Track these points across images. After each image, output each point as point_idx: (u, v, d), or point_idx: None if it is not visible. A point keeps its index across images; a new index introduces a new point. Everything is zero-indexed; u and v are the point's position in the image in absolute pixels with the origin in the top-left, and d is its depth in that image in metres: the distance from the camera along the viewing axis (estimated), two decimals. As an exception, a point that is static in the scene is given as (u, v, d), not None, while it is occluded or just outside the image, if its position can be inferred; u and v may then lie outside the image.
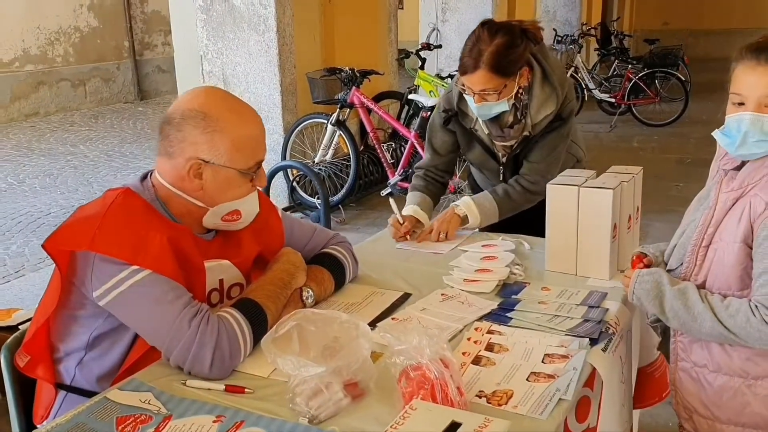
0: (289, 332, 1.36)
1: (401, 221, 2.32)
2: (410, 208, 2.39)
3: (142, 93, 12.40)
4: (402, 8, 14.35)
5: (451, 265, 2.05)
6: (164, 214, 1.58)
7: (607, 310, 1.72)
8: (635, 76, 8.80)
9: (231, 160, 1.55)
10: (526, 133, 2.36)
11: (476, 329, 1.63)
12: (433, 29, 9.07)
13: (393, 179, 5.27)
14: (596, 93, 9.38)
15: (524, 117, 2.33)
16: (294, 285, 1.72)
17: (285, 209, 5.40)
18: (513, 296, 1.82)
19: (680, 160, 7.17)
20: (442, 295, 1.84)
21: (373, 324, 1.68)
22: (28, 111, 10.52)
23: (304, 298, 1.74)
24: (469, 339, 1.59)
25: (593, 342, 1.56)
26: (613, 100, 9.12)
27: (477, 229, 2.38)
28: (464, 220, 2.34)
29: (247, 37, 5.42)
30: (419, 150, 5.06)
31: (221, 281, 1.68)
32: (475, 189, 2.74)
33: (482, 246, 2.18)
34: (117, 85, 12.06)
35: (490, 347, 1.55)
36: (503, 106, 2.25)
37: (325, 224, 5.11)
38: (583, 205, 1.90)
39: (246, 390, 1.40)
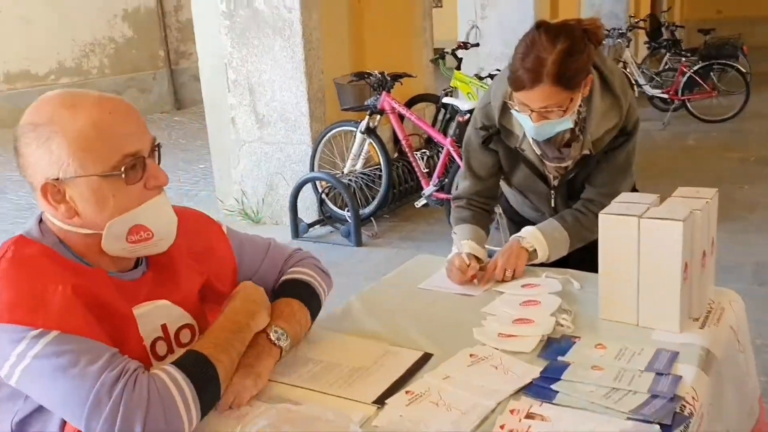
0: (257, 436, 1.02)
1: (468, 261, 1.91)
2: (465, 244, 1.98)
3: (179, 102, 12.25)
4: (441, 6, 14.02)
5: (483, 312, 1.69)
6: (71, 258, 1.27)
7: (681, 378, 1.34)
8: (690, 70, 8.25)
9: (82, 166, 1.22)
10: (585, 151, 1.97)
11: (512, 411, 1.27)
12: (473, 27, 8.67)
13: (428, 189, 4.91)
14: (647, 89, 8.86)
15: (582, 133, 1.95)
16: (255, 327, 1.40)
17: (313, 223, 5.13)
18: (559, 358, 1.45)
19: (743, 159, 6.63)
20: (471, 356, 1.48)
21: (381, 400, 1.33)
22: (65, 124, 10.43)
23: (275, 340, 1.41)
24: (502, 427, 1.22)
25: (665, 429, 1.19)
26: (665, 95, 8.58)
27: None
28: (532, 254, 1.96)
29: (272, 42, 5.13)
30: (455, 157, 4.69)
31: (164, 327, 1.35)
32: (510, 214, 2.36)
33: (522, 286, 1.81)
34: (153, 95, 11.93)
35: (529, 440, 1.19)
36: (567, 123, 1.87)
37: (356, 238, 4.80)
38: (646, 240, 1.52)
39: None
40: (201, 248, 1.46)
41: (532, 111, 1.83)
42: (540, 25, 1.82)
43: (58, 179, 1.23)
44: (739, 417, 1.56)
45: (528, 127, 1.89)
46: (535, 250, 1.95)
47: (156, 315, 1.35)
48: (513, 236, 2.01)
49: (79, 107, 1.24)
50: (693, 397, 1.30)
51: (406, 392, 1.36)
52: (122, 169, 1.23)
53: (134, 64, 11.66)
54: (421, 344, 1.56)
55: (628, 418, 1.22)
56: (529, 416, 1.25)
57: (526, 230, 1.99)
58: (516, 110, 1.88)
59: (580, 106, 1.88)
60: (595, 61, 1.87)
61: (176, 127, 10.58)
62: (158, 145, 1.32)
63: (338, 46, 5.41)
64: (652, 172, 5.65)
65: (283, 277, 1.61)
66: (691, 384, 1.33)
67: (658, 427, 1.18)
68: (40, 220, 1.32)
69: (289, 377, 1.42)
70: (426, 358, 1.50)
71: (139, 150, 1.26)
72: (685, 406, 1.26)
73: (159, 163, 1.33)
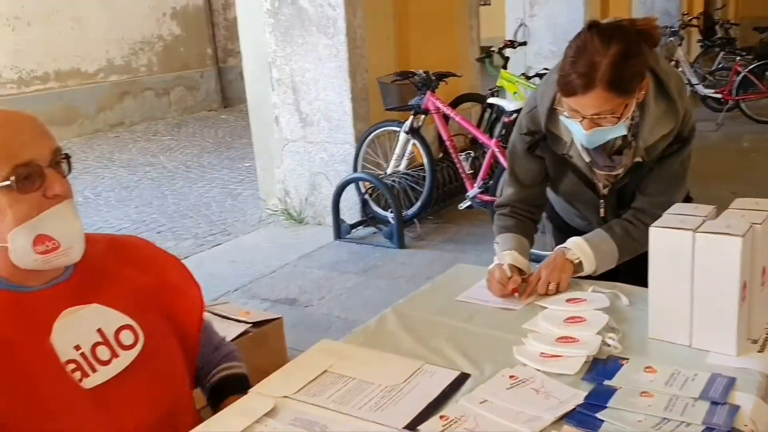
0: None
1: (509, 274, 1.82)
2: (507, 255, 1.89)
3: (226, 101, 12.34)
4: (489, 3, 13.85)
5: (524, 329, 1.61)
6: None
7: (738, 408, 1.24)
8: (744, 69, 7.98)
9: None
10: (638, 159, 1.86)
11: (553, 441, 1.19)
12: (521, 25, 8.52)
13: (472, 191, 4.81)
14: (699, 88, 8.60)
15: (635, 138, 1.84)
16: None
17: (356, 224, 5.07)
18: (605, 382, 1.36)
19: (800, 162, 6.39)
20: (511, 377, 1.40)
21: (413, 426, 1.26)
22: (113, 121, 10.58)
23: None
24: (542, 459, 1.15)
25: (722, 467, 1.10)
26: (719, 95, 8.31)
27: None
28: (578, 266, 1.86)
29: (316, 41, 5.09)
30: (500, 159, 4.58)
31: (101, 331, 1.32)
32: (555, 220, 2.26)
33: (566, 301, 1.72)
34: (201, 93, 12.03)
35: (571, 475, 1.10)
36: (620, 130, 1.76)
37: (398, 240, 4.74)
38: (701, 257, 1.42)
39: None
40: (151, 264, 1.47)
41: (583, 118, 1.73)
42: (592, 26, 1.71)
43: None
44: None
45: (578, 134, 1.79)
46: (581, 262, 1.86)
47: (88, 320, 1.33)
48: (558, 247, 1.92)
49: None
50: (752, 430, 1.20)
51: (441, 417, 1.29)
52: (13, 179, 1.22)
53: (182, 62, 11.77)
54: (458, 363, 1.49)
55: (680, 454, 1.13)
56: (572, 448, 1.17)
57: (572, 241, 1.89)
58: (565, 116, 1.78)
59: (633, 111, 1.77)
60: (650, 62, 1.76)
61: (222, 125, 10.65)
62: (65, 156, 1.31)
63: (383, 45, 5.34)
64: (704, 176, 5.45)
65: (232, 372, 1.58)
66: (750, 415, 1.23)
67: (713, 464, 1.09)
68: None
69: (319, 398, 1.36)
70: (462, 378, 1.42)
71: (33, 159, 1.24)
72: (742, 441, 1.16)
73: (69, 173, 1.31)
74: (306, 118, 5.31)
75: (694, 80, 8.72)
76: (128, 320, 1.38)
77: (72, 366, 1.29)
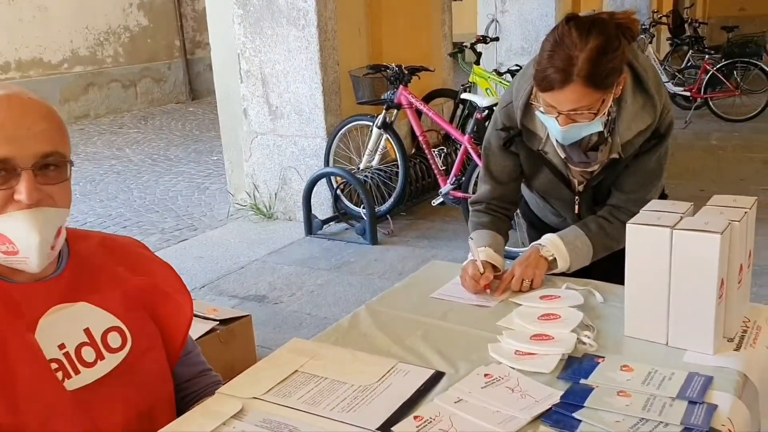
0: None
1: (482, 269, 1.78)
2: (482, 251, 1.85)
3: (194, 93, 12.19)
4: (460, -1, 13.84)
5: (499, 326, 1.58)
6: None
7: (716, 408, 1.22)
8: (713, 67, 8.09)
9: None
10: (614, 155, 1.84)
11: (530, 443, 1.16)
12: (492, 20, 8.52)
13: (445, 188, 4.78)
14: (669, 86, 8.67)
15: (612, 134, 1.81)
16: None
17: (328, 220, 5.02)
18: (582, 380, 1.34)
19: (766, 161, 6.46)
20: (486, 376, 1.37)
21: (386, 427, 1.22)
22: (78, 113, 10.39)
23: None
24: (519, 462, 1.11)
25: (701, 468, 1.08)
26: (688, 93, 8.40)
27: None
28: (552, 263, 1.84)
29: (286, 32, 5.02)
30: (473, 155, 4.56)
31: (87, 331, 1.28)
32: (530, 218, 2.24)
33: (540, 298, 1.70)
34: (168, 85, 11.87)
35: (549, 478, 1.07)
36: (597, 126, 1.73)
37: (371, 236, 4.70)
38: (679, 254, 1.40)
39: None
40: (146, 284, 1.41)
41: (559, 113, 1.70)
42: (570, 19, 1.67)
43: None
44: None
45: (554, 130, 1.76)
46: (555, 259, 1.83)
47: (75, 319, 1.28)
48: (532, 244, 1.89)
49: None
50: (729, 430, 1.18)
51: (415, 417, 1.25)
52: None
53: (149, 53, 11.60)
54: (432, 361, 1.45)
55: (659, 455, 1.11)
56: (550, 450, 1.14)
57: (547, 238, 1.87)
58: (541, 111, 1.75)
59: (610, 106, 1.74)
60: (627, 56, 1.73)
61: (190, 117, 10.52)
62: (68, 162, 1.25)
63: (354, 38, 5.29)
64: (674, 172, 5.47)
65: None
66: (728, 415, 1.21)
67: (692, 466, 1.07)
68: None
69: (289, 399, 1.32)
70: (437, 377, 1.39)
71: (10, 157, 1.18)
72: (721, 441, 1.14)
73: (63, 181, 1.25)
74: (276, 110, 5.24)
75: (664, 78, 8.79)
76: (117, 322, 1.33)
77: (54, 365, 1.24)
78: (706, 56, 8.55)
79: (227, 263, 4.55)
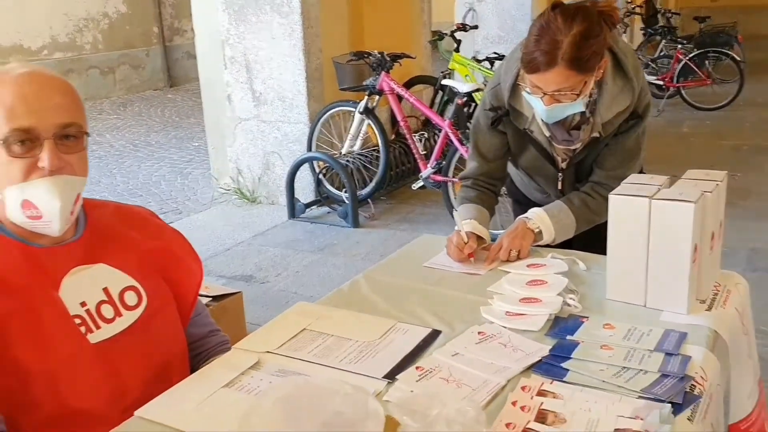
0: (273, 407, 1.02)
1: (465, 239, 1.90)
2: (468, 223, 1.96)
3: (172, 80, 12.17)
4: (437, -11, 13.91)
5: (490, 291, 1.69)
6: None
7: (690, 358, 1.35)
8: (685, 57, 8.26)
9: None
10: (595, 134, 1.96)
11: (523, 388, 1.27)
12: (470, 9, 8.62)
13: (425, 172, 4.89)
14: (642, 75, 8.85)
15: (593, 115, 1.93)
16: None
17: (310, 204, 5.11)
18: (568, 336, 1.46)
19: (736, 147, 6.65)
20: (480, 333, 1.49)
21: (391, 375, 1.33)
22: (57, 99, 10.33)
23: None
24: (514, 404, 1.23)
25: (677, 408, 1.20)
26: (661, 82, 8.56)
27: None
28: (538, 235, 1.95)
29: (270, 19, 5.09)
30: (453, 140, 4.68)
31: (106, 290, 1.39)
32: (515, 194, 2.36)
33: (528, 266, 1.81)
34: (146, 72, 11.84)
35: (542, 416, 1.19)
36: (579, 106, 1.86)
37: (353, 219, 4.80)
38: (656, 222, 1.52)
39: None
40: (160, 247, 1.52)
41: (544, 94, 1.82)
42: (556, 6, 1.79)
43: None
44: (741, 399, 1.57)
45: (539, 109, 1.88)
46: (540, 231, 1.95)
47: (94, 279, 1.39)
48: (519, 217, 2.01)
49: (6, 75, 1.29)
50: (702, 377, 1.30)
51: (417, 368, 1.36)
52: (7, 140, 1.26)
53: (128, 40, 11.56)
54: (429, 321, 1.56)
55: (640, 397, 1.23)
56: (541, 393, 1.26)
57: (533, 212, 1.99)
58: (527, 92, 1.87)
59: (592, 88, 1.86)
60: (608, 42, 1.86)
61: (169, 104, 10.51)
62: (80, 134, 1.34)
63: (337, 25, 5.37)
64: (647, 158, 5.64)
65: None
66: (700, 364, 1.34)
67: (669, 406, 1.19)
68: None
69: (300, 352, 1.43)
70: (434, 335, 1.50)
71: (33, 127, 1.27)
72: (695, 386, 1.27)
73: (80, 151, 1.34)
74: (259, 97, 5.31)
75: (637, 67, 8.95)
76: (133, 282, 1.43)
77: (77, 321, 1.34)
78: (679, 46, 8.71)
79: (213, 245, 4.63)
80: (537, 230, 1.95)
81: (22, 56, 10.00)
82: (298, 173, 5.02)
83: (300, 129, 5.20)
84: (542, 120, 1.95)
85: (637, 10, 10.88)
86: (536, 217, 1.96)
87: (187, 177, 6.51)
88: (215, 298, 2.76)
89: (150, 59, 11.90)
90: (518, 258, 1.88)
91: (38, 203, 1.30)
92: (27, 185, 1.29)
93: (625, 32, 9.24)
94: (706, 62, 8.31)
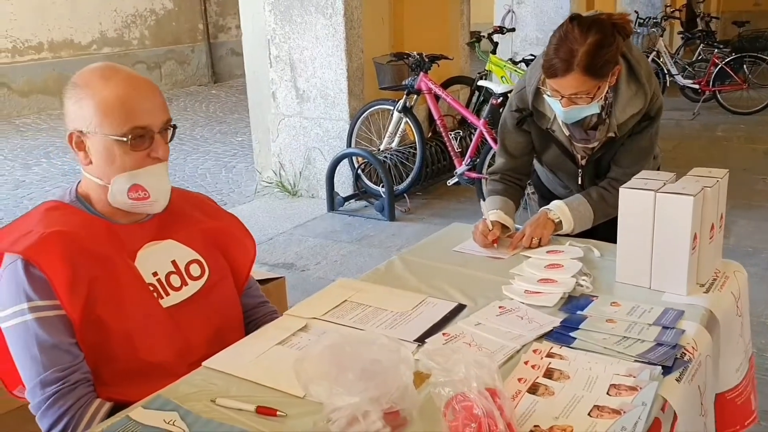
0: (321, 353, 1.23)
1: (491, 227, 2.10)
2: (494, 213, 2.16)
3: (216, 76, 12.51)
4: (477, -10, 14.06)
5: (512, 273, 1.90)
6: (84, 210, 1.57)
7: (684, 331, 1.54)
8: (721, 61, 8.32)
9: (100, 125, 1.49)
10: (611, 134, 2.16)
11: (535, 351, 1.48)
12: (509, 11, 8.79)
13: (460, 169, 5.09)
14: (679, 79, 8.93)
15: (609, 116, 2.13)
16: None
17: (349, 197, 5.35)
18: (578, 312, 1.65)
19: (768, 152, 6.75)
20: (500, 308, 1.69)
21: (421, 339, 1.55)
22: (106, 93, 10.70)
23: None
24: (526, 363, 1.43)
25: (666, 371, 1.39)
26: (696, 86, 8.65)
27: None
28: (558, 225, 2.14)
29: (314, 20, 5.33)
30: (488, 138, 4.87)
31: (174, 262, 1.63)
32: (540, 188, 2.56)
33: (547, 252, 2.01)
34: (191, 67, 12.20)
35: (549, 373, 1.39)
36: (594, 108, 2.06)
37: (389, 213, 5.01)
38: (660, 213, 1.71)
39: (278, 413, 1.30)
40: (219, 227, 1.75)
41: (562, 97, 2.02)
42: (573, 18, 2.00)
43: (82, 131, 1.51)
44: (730, 372, 1.75)
45: (558, 111, 2.09)
46: (560, 221, 2.14)
47: (164, 252, 1.62)
48: (542, 208, 2.20)
49: (111, 79, 1.50)
50: (693, 347, 1.49)
51: (443, 334, 1.57)
52: (129, 137, 1.49)
53: (174, 36, 11.92)
54: (455, 297, 1.77)
55: (635, 361, 1.42)
56: (550, 355, 1.46)
57: (554, 203, 2.18)
58: (548, 95, 2.07)
59: (607, 92, 2.06)
60: (622, 50, 2.05)
61: (213, 100, 10.83)
62: (173, 126, 1.58)
63: (378, 26, 5.59)
64: (681, 162, 5.79)
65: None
66: (693, 337, 1.52)
67: (660, 368, 1.38)
68: (76, 186, 1.62)
69: (343, 319, 1.65)
70: (460, 308, 1.71)
71: (149, 125, 1.51)
72: (685, 353, 1.45)
73: (171, 140, 1.58)
74: (303, 94, 5.55)
75: (674, 71, 9.04)
76: (197, 255, 1.66)
77: (151, 288, 1.57)
78: (716, 50, 8.77)
79: (256, 235, 4.75)
80: (557, 220, 2.14)
81: (72, 51, 10.41)
82: (338, 168, 5.26)
83: (341, 126, 5.44)
84: (562, 121, 2.15)
85: (676, 14, 10.92)
86: (557, 208, 2.16)
87: (231, 170, 6.79)
88: (260, 282, 3.00)
89: (195, 55, 12.26)
90: (539, 245, 2.08)
91: (148, 186, 1.54)
92: (138, 172, 1.53)
93: (662, 36, 9.30)
94: (743, 66, 8.35)
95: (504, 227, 2.15)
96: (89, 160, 1.53)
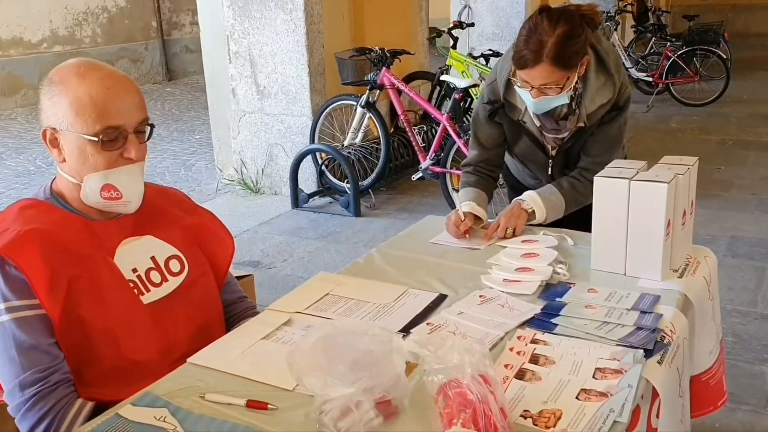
0: (314, 346, 1.24)
1: (462, 217, 2.14)
2: (467, 205, 2.20)
3: (170, 73, 12.34)
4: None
5: (489, 263, 1.92)
6: (60, 207, 1.55)
7: (661, 315, 1.57)
8: (674, 54, 8.49)
9: (72, 124, 1.47)
10: (580, 124, 2.19)
11: (519, 338, 1.50)
12: (465, 6, 8.84)
13: (424, 163, 5.11)
14: (633, 72, 9.09)
15: (579, 107, 2.17)
16: None
17: (313, 194, 5.33)
18: (557, 299, 1.68)
19: (721, 142, 6.91)
20: (481, 296, 1.71)
21: (406, 330, 1.56)
22: (58, 92, 10.48)
23: None
24: (511, 349, 1.45)
25: (648, 353, 1.42)
26: (650, 79, 8.82)
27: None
28: (531, 215, 2.18)
29: (274, 16, 5.30)
30: (451, 133, 4.90)
31: (153, 258, 1.61)
32: (509, 179, 2.59)
33: (522, 242, 2.04)
34: (145, 65, 12.01)
35: (534, 359, 1.42)
36: (563, 99, 2.09)
37: (354, 209, 5.01)
38: (635, 200, 1.75)
39: (269, 406, 1.29)
40: (198, 223, 1.74)
41: (532, 87, 2.05)
42: (543, 10, 2.04)
43: (55, 129, 1.49)
44: (703, 354, 1.81)
45: (528, 101, 2.12)
46: (533, 211, 2.18)
47: (143, 248, 1.60)
48: (515, 199, 2.23)
49: (86, 77, 1.48)
50: (671, 330, 1.53)
51: (427, 324, 1.59)
52: (101, 137, 1.47)
53: (126, 34, 11.73)
54: (436, 287, 1.78)
55: (617, 345, 1.45)
56: (534, 341, 1.48)
57: (527, 194, 2.21)
58: (518, 86, 2.10)
59: (576, 82, 2.09)
60: (591, 41, 2.09)
61: (168, 98, 10.68)
62: (151, 125, 1.56)
63: (338, 21, 5.58)
64: (637, 152, 5.88)
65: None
66: (670, 320, 1.56)
67: (642, 351, 1.41)
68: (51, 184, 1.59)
69: (326, 312, 1.65)
70: (441, 298, 1.72)
71: (122, 125, 1.48)
72: (664, 337, 1.49)
73: (148, 139, 1.56)
74: (263, 90, 5.51)
75: (628, 64, 9.19)
76: (176, 251, 1.64)
77: (131, 284, 1.55)
78: (668, 43, 8.96)
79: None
80: (530, 210, 2.17)
81: (22, 49, 10.17)
82: (302, 164, 5.23)
83: (303, 122, 5.41)
84: (532, 112, 2.18)
85: (629, 8, 11.10)
86: (529, 198, 2.19)
87: (190, 169, 6.71)
88: (228, 279, 2.99)
89: (148, 53, 12.08)
90: (513, 235, 2.11)
91: (120, 186, 1.52)
92: (110, 172, 1.50)
93: (616, 30, 9.46)
94: (694, 59, 8.53)
95: (477, 218, 2.18)
96: (63, 157, 1.51)
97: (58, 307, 1.43)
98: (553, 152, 2.30)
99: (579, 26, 2.03)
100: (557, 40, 1.98)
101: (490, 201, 2.36)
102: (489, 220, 2.21)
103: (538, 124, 2.25)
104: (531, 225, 2.19)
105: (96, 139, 1.46)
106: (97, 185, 1.50)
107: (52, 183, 1.58)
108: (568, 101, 2.12)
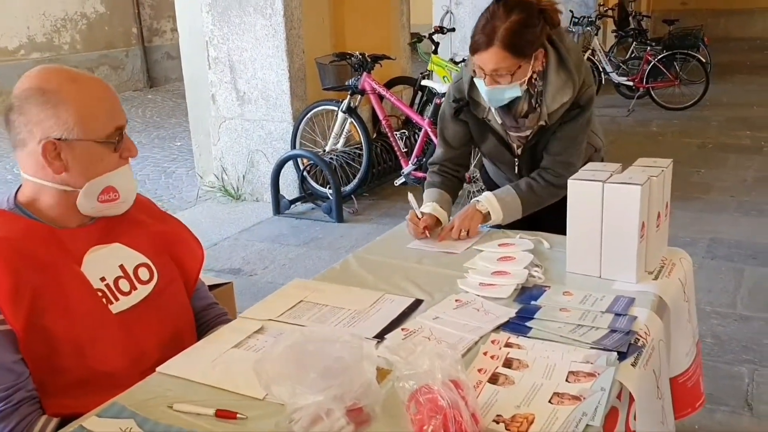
0: (283, 353, 1.22)
1: (419, 216, 2.16)
2: (429, 206, 2.23)
3: (152, 80, 12.28)
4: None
5: (465, 267, 1.91)
6: (24, 216, 1.50)
7: (636, 318, 1.57)
8: (654, 59, 8.54)
9: (84, 131, 1.45)
10: (542, 122, 2.20)
11: (493, 342, 1.49)
12: (447, 12, 8.88)
13: (407, 168, 5.11)
14: (613, 76, 9.14)
15: (539, 105, 2.18)
16: None
17: (295, 200, 5.31)
18: (532, 302, 1.67)
19: (701, 145, 6.95)
20: (457, 301, 1.70)
21: (381, 335, 1.54)
22: (37, 100, 10.39)
23: None
24: (485, 353, 1.44)
25: (621, 356, 1.41)
26: (631, 83, 8.86)
27: (495, 228, 2.22)
28: (486, 216, 2.19)
29: (254, 21, 5.28)
30: (433, 138, 4.90)
31: (122, 267, 1.58)
32: (488, 182, 2.60)
33: (498, 245, 2.03)
34: (126, 72, 11.94)
35: (508, 363, 1.40)
36: (516, 90, 2.10)
37: (337, 214, 4.99)
38: (609, 203, 1.74)
39: (238, 416, 1.27)
40: (167, 230, 1.72)
41: (485, 75, 2.07)
42: (499, 0, 2.07)
43: (60, 139, 1.44)
44: (680, 356, 1.80)
45: (482, 90, 2.14)
46: (489, 212, 2.19)
47: (111, 256, 1.58)
48: (472, 200, 2.25)
49: (80, 82, 1.47)
50: (645, 333, 1.52)
51: (402, 329, 1.57)
52: (116, 139, 1.47)
53: (107, 40, 11.66)
54: (412, 292, 1.77)
55: (591, 347, 1.44)
56: (508, 345, 1.47)
57: (483, 195, 2.24)
58: (474, 75, 2.12)
59: (536, 80, 2.12)
60: (553, 39, 2.12)
61: (149, 105, 10.64)
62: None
63: (318, 26, 5.57)
64: (617, 156, 5.86)
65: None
66: (645, 322, 1.56)
67: (615, 353, 1.41)
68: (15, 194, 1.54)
69: (300, 319, 1.63)
70: (417, 303, 1.71)
71: (123, 124, 1.51)
72: (638, 339, 1.49)
73: None
74: (243, 96, 5.49)
75: (609, 68, 9.24)
76: (145, 259, 1.62)
77: (99, 293, 1.52)
78: (648, 48, 9.01)
79: (200, 240, 4.78)
80: (485, 211, 2.19)
81: (0, 56, 10.08)
82: (283, 170, 5.21)
83: (284, 127, 5.39)
84: (488, 103, 2.19)
85: (610, 12, 11.18)
86: (485, 199, 2.21)
87: (171, 176, 6.67)
88: (208, 288, 2.96)
89: (129, 60, 12.01)
90: (468, 236, 2.12)
91: (120, 187, 1.52)
92: (113, 174, 1.50)
93: (596, 34, 9.51)
94: (675, 64, 8.59)
95: (438, 220, 2.20)
96: (62, 169, 1.47)
97: (22, 318, 1.40)
98: (519, 151, 2.31)
99: (535, 17, 2.06)
100: (510, 26, 2.01)
101: (455, 202, 2.38)
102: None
103: (500, 121, 2.26)
104: (509, 228, 2.19)
105: (112, 141, 1.46)
106: (98, 189, 1.49)
107: (16, 193, 1.55)
108: (520, 94, 2.13)
